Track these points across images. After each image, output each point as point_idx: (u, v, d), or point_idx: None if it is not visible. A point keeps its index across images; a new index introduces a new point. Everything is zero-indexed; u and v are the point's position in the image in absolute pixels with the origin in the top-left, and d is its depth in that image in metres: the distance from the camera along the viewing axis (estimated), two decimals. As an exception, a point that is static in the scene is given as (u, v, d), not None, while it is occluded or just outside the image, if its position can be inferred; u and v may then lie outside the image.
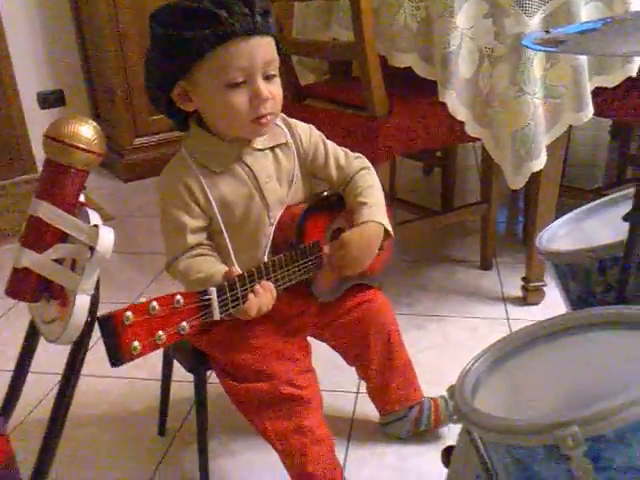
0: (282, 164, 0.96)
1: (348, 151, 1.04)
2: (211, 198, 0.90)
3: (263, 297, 0.83)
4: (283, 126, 0.98)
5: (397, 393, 1.09)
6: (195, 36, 0.81)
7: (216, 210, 0.90)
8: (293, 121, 1.00)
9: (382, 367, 1.07)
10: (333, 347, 1.10)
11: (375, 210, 0.97)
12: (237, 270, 0.82)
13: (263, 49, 0.86)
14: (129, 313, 0.67)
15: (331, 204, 1.02)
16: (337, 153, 1.02)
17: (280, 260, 0.89)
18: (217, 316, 0.76)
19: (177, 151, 0.94)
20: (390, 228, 0.99)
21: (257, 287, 0.83)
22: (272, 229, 0.95)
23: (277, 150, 0.96)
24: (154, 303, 0.69)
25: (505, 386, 0.56)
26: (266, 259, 0.93)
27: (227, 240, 0.91)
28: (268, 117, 0.89)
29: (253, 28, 0.83)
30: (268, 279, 0.85)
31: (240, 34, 0.82)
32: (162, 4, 0.86)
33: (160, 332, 0.69)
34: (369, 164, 1.04)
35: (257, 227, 0.94)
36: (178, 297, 0.72)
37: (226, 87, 0.85)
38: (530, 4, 1.25)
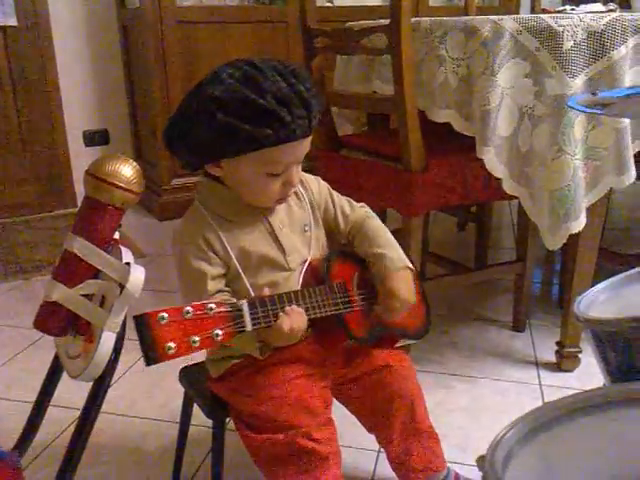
0: (294, 212, 0.99)
1: (351, 200, 1.08)
2: (228, 247, 0.92)
3: (295, 317, 0.85)
4: None
5: (419, 462, 1.04)
6: (257, 132, 0.83)
7: (234, 257, 0.92)
8: (302, 174, 1.02)
9: (404, 438, 1.03)
10: (352, 412, 1.07)
11: (398, 256, 1.01)
12: (266, 291, 0.85)
13: (307, 146, 0.91)
14: (164, 313, 0.71)
15: (352, 256, 1.03)
16: (342, 203, 1.06)
17: (309, 291, 0.91)
18: (249, 327, 0.79)
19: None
20: (411, 265, 1.02)
21: (288, 308, 0.85)
22: (292, 274, 0.96)
23: (289, 199, 0.99)
24: (188, 307, 0.73)
25: (538, 461, 0.52)
26: None
27: (247, 284, 0.92)
28: (288, 194, 0.94)
29: (308, 132, 0.88)
30: (298, 305, 0.87)
31: (298, 138, 0.86)
32: (219, 82, 0.84)
33: (194, 336, 0.73)
34: (372, 212, 1.08)
35: (275, 271, 0.95)
36: (211, 305, 0.75)
37: (266, 175, 0.89)
38: (573, 66, 1.25)
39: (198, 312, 0.73)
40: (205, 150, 0.88)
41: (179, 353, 0.71)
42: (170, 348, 0.70)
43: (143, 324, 0.70)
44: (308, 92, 0.86)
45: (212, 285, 0.90)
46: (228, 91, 0.83)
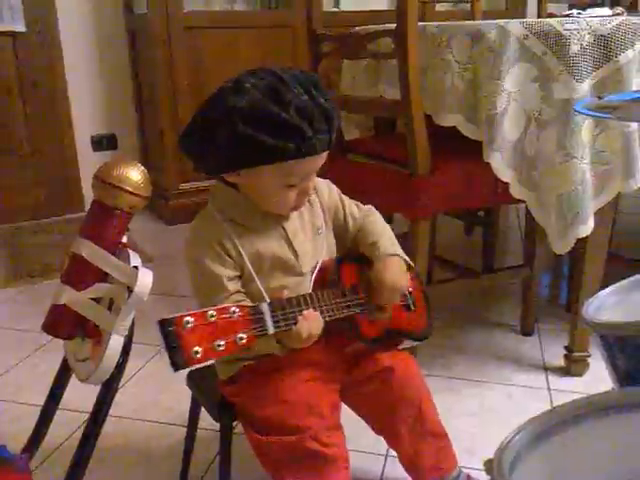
0: (305, 218, 1.00)
1: (359, 203, 1.09)
2: (242, 251, 0.92)
3: (312, 322, 0.86)
4: None
5: (431, 463, 1.04)
6: (278, 146, 0.83)
7: (247, 261, 0.92)
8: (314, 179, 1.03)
9: (414, 440, 1.03)
10: (360, 416, 1.07)
11: (388, 246, 1.02)
12: (286, 294, 0.86)
13: (324, 158, 0.92)
14: (188, 317, 0.71)
15: (360, 259, 1.04)
16: (352, 207, 1.07)
17: (323, 294, 0.92)
18: (271, 330, 0.80)
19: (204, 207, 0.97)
20: (406, 257, 1.03)
21: (306, 312, 0.86)
22: (304, 279, 0.96)
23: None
24: (212, 311, 0.73)
25: (546, 465, 0.52)
26: None
27: (260, 287, 0.92)
28: (303, 203, 0.96)
29: (328, 147, 0.89)
30: (314, 308, 0.88)
31: (318, 152, 0.87)
32: (243, 92, 0.83)
33: (219, 341, 0.72)
34: (374, 210, 1.09)
35: (287, 275, 0.96)
36: (233, 308, 0.75)
37: (283, 186, 0.90)
38: (580, 70, 1.25)
39: (222, 315, 0.74)
40: (224, 159, 0.88)
41: (205, 358, 0.71)
42: (197, 353, 0.70)
43: (169, 329, 0.69)
44: (328, 104, 0.86)
45: (230, 285, 0.91)
46: (251, 102, 0.82)
